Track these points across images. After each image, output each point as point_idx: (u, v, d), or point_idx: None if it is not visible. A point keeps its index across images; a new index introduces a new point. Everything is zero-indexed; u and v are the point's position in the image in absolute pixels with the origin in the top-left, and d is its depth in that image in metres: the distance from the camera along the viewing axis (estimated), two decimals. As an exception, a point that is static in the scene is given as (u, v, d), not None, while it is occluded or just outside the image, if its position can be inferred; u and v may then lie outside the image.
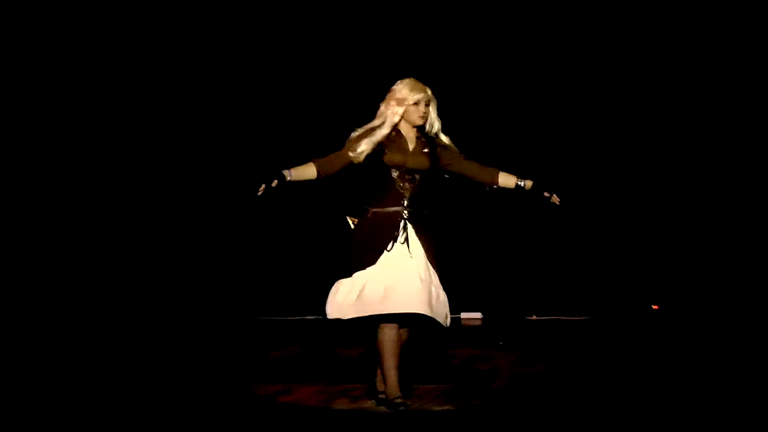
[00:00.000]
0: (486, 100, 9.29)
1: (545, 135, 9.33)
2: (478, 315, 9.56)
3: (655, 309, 9.19)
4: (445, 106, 4.99)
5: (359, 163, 4.81)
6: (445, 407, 4.97)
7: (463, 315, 9.56)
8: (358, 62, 9.15)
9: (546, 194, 4.88)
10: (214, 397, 5.40)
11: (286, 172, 4.70)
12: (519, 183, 4.90)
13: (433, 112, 4.86)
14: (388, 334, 4.74)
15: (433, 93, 4.89)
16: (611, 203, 9.24)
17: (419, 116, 4.80)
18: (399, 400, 4.71)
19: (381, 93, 4.96)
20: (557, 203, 4.89)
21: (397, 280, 4.68)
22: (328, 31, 9.20)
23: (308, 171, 4.78)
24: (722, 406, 4.87)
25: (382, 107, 4.86)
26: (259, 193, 4.63)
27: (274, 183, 4.65)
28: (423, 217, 4.85)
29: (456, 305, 9.55)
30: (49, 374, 6.16)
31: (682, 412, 4.77)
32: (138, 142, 9.17)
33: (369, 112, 5.05)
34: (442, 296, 4.84)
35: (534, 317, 9.36)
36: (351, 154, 4.79)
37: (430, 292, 4.74)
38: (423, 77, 4.95)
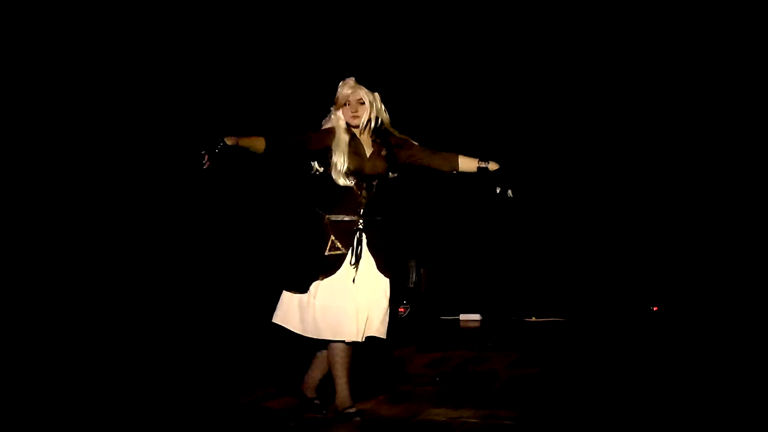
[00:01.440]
0: (483, 100, 9.31)
1: (544, 137, 9.34)
2: (476, 317, 9.56)
3: (655, 311, 9.19)
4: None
5: (321, 172, 4.70)
6: (443, 409, 4.97)
7: (462, 317, 9.57)
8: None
9: (498, 190, 4.77)
10: (206, 401, 5.39)
11: (228, 139, 4.43)
12: (481, 165, 4.77)
13: (372, 109, 4.68)
14: (338, 348, 4.67)
15: (381, 91, 4.74)
16: (612, 206, 9.24)
17: (350, 116, 4.67)
18: (352, 410, 4.70)
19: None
20: (510, 197, 4.77)
21: (340, 305, 4.60)
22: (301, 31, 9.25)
23: (256, 143, 4.54)
24: (721, 406, 4.86)
25: (327, 117, 4.76)
26: (205, 165, 4.40)
27: (217, 150, 4.39)
28: (377, 223, 4.75)
29: (454, 307, 9.70)
30: (50, 375, 6.17)
31: (681, 413, 4.76)
32: (144, 143, 9.18)
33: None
34: (379, 312, 4.72)
35: (533, 319, 9.36)
36: (333, 171, 4.62)
37: (372, 316, 4.67)
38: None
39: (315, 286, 4.64)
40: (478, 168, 4.79)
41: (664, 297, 9.18)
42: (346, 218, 4.68)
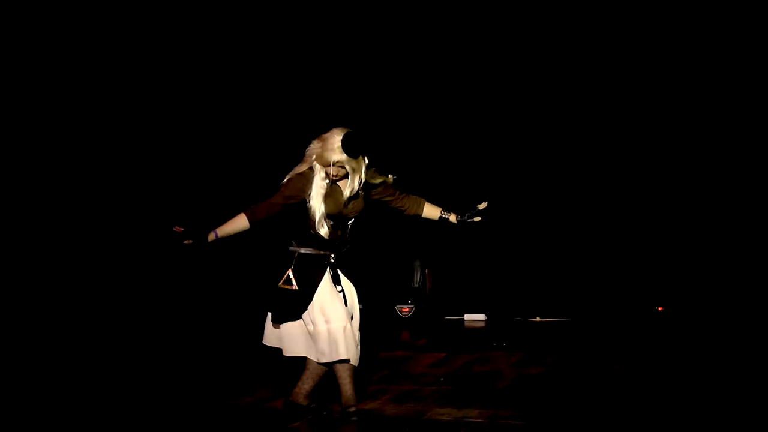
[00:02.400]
0: (479, 97, 9.36)
1: (546, 138, 9.36)
2: (481, 317, 9.56)
3: (660, 311, 9.18)
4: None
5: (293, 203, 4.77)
6: (448, 409, 4.98)
7: (467, 317, 9.57)
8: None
9: (470, 220, 4.94)
10: (208, 402, 5.41)
11: (210, 235, 4.65)
12: (443, 215, 4.97)
13: (355, 176, 4.70)
14: (343, 366, 4.79)
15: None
16: (616, 206, 9.25)
17: (333, 175, 4.71)
18: (352, 409, 4.78)
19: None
20: (479, 219, 4.94)
21: (326, 329, 4.72)
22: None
23: (238, 226, 4.70)
24: (726, 406, 4.86)
25: (308, 151, 4.76)
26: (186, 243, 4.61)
27: (188, 242, 4.60)
28: (347, 255, 4.90)
29: (459, 307, 9.71)
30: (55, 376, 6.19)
31: (686, 413, 4.76)
32: (148, 144, 9.20)
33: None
34: (357, 333, 4.88)
35: (538, 319, 9.36)
36: (312, 219, 4.72)
37: (352, 336, 4.78)
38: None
39: (306, 313, 4.77)
40: (440, 217, 4.97)
41: (668, 297, 9.17)
42: (320, 252, 4.81)
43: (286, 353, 4.86)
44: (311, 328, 4.75)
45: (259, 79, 9.45)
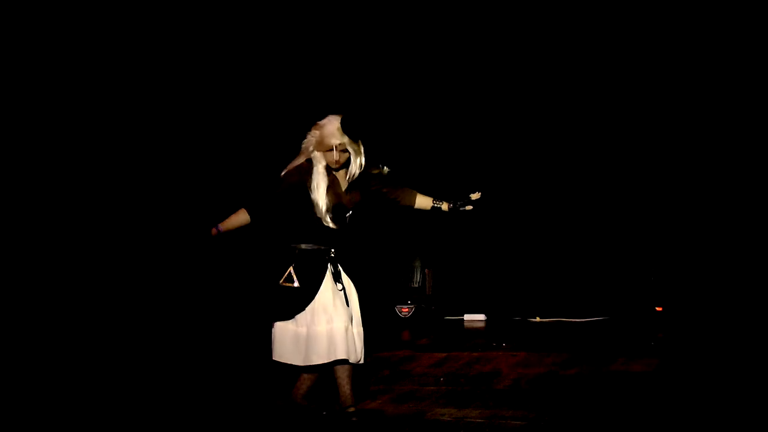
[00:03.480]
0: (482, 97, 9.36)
1: (547, 138, 9.37)
2: (481, 317, 9.57)
3: (659, 311, 9.19)
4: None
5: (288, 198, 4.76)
6: (448, 409, 4.99)
7: (467, 317, 9.58)
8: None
9: (462, 208, 4.91)
10: (207, 403, 5.42)
11: (213, 230, 4.69)
12: (435, 205, 4.94)
13: (355, 159, 4.73)
14: (342, 367, 4.80)
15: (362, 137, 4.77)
16: (615, 206, 9.26)
17: (333, 161, 4.73)
18: (351, 410, 4.77)
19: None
20: (471, 207, 4.91)
21: (327, 330, 4.71)
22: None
23: (240, 220, 4.72)
24: (725, 406, 4.87)
25: (305, 144, 4.77)
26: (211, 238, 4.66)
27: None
28: (345, 249, 4.89)
29: (459, 307, 9.72)
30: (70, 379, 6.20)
31: (687, 413, 4.77)
32: (147, 142, 9.19)
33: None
34: (358, 331, 4.86)
35: (537, 319, 9.37)
36: (317, 210, 4.72)
37: (353, 336, 4.77)
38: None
39: (301, 315, 4.74)
40: (432, 207, 4.95)
41: (667, 297, 9.18)
42: (321, 247, 4.79)
43: (274, 357, 4.84)
44: (303, 329, 4.73)
45: (256, 76, 9.45)
